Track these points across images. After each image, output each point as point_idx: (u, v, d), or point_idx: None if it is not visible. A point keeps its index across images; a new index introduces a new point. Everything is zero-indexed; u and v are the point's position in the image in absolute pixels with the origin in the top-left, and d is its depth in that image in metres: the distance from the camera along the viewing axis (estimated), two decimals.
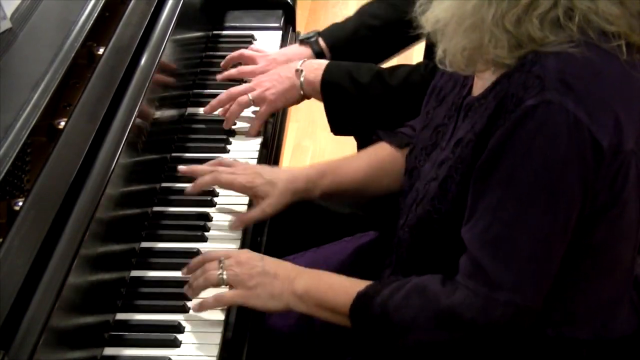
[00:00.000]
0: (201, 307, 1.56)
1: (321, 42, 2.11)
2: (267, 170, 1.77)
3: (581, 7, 1.36)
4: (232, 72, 2.11)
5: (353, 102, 1.94)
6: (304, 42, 2.13)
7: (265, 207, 1.73)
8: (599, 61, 1.36)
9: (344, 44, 2.11)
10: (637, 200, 1.43)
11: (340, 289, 1.54)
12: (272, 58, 2.11)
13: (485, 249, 1.40)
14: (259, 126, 1.99)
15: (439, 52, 1.46)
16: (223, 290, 1.58)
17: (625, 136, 1.36)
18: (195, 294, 1.58)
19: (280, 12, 2.35)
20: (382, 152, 1.80)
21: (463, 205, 1.44)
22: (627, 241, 1.48)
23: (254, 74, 2.06)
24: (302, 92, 1.97)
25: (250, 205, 1.80)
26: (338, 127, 1.98)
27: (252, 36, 2.28)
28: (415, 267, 1.57)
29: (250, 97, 1.97)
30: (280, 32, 2.30)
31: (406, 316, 1.47)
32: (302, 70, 1.96)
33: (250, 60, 2.11)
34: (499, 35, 1.37)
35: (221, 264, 1.57)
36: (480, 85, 1.49)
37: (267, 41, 2.26)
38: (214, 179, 1.76)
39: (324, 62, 1.98)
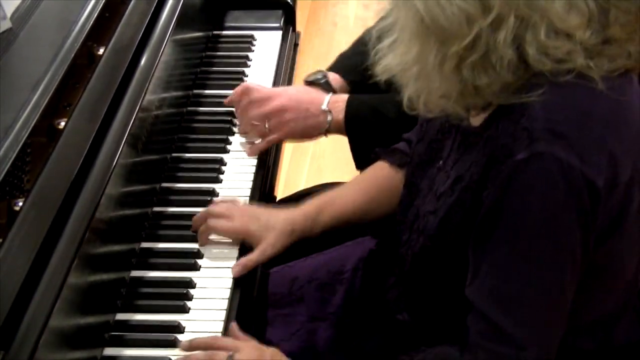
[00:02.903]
0: None
1: (331, 76, 1.99)
2: (264, 213, 1.72)
3: (530, 52, 1.30)
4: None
5: (380, 138, 1.87)
6: (312, 84, 1.99)
7: (265, 248, 1.68)
8: (583, 100, 1.33)
9: (357, 71, 1.92)
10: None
11: None
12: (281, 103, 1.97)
13: (499, 308, 1.36)
14: (263, 149, 1.94)
15: (405, 99, 1.43)
16: None
17: (620, 168, 1.34)
18: None
19: (280, 12, 2.35)
20: (380, 174, 1.78)
21: (462, 244, 1.41)
22: (631, 256, 1.46)
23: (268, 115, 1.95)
24: (325, 132, 1.93)
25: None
26: (363, 161, 1.90)
27: (252, 36, 2.28)
28: (419, 282, 1.56)
29: (267, 127, 1.92)
30: (280, 32, 2.30)
31: None
32: (330, 111, 1.91)
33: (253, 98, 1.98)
34: (441, 84, 1.34)
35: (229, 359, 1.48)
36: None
37: (267, 41, 2.26)
38: (209, 230, 1.70)
39: (345, 97, 1.92)
